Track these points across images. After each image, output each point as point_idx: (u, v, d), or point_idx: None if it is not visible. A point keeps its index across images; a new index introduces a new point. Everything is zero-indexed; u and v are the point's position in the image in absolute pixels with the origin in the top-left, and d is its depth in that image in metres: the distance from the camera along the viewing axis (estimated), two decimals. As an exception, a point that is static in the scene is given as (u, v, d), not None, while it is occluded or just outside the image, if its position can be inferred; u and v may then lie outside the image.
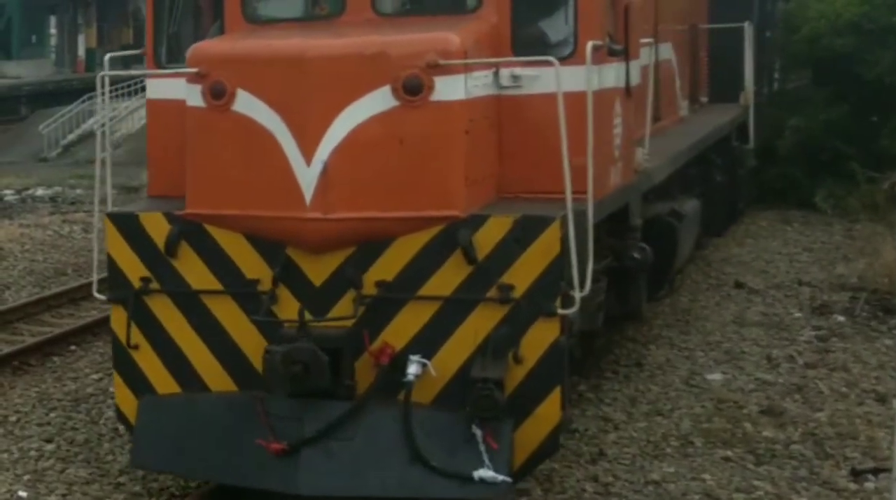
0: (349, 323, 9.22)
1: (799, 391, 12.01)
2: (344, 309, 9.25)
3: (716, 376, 12.42)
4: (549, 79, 9.36)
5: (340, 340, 9.15)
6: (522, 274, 9.03)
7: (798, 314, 14.74)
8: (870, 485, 9.87)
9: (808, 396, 11.90)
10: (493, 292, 9.06)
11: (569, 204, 8.93)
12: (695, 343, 13.57)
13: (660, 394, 11.90)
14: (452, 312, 9.12)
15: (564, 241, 8.97)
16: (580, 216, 9.13)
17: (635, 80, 11.31)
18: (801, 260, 17.57)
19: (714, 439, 10.74)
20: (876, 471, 10.06)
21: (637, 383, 12.22)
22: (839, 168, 20.28)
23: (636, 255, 11.55)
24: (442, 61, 9.10)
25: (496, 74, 9.69)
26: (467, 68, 9.24)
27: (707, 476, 9.96)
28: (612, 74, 10.36)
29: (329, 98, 9.12)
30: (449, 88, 9.14)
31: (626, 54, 10.86)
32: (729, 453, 10.45)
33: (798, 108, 22.05)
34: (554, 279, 9.01)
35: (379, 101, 9.14)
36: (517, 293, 9.02)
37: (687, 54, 17.23)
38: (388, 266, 9.23)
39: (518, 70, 9.65)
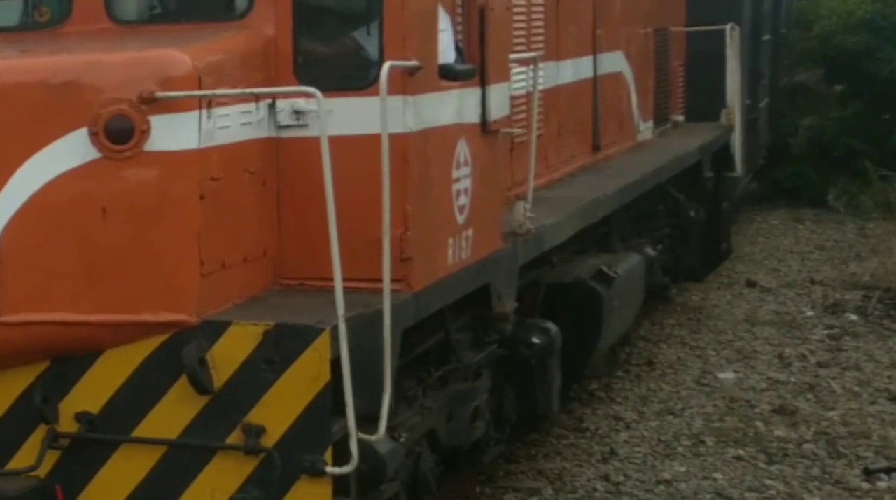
0: (37, 475, 6.48)
1: (811, 390, 11.97)
2: (29, 455, 6.49)
3: (728, 375, 12.39)
4: (349, 114, 6.87)
5: None
6: (276, 412, 6.29)
7: (810, 313, 14.70)
8: (882, 484, 9.83)
9: (820, 395, 11.86)
10: (235, 436, 6.33)
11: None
12: (706, 342, 13.54)
13: (671, 393, 11.87)
14: (181, 462, 6.40)
15: (339, 362, 6.20)
16: (371, 320, 6.43)
17: (499, 111, 8.00)
18: (813, 258, 17.52)
19: (726, 438, 10.71)
20: (889, 470, 10.03)
21: (648, 382, 12.18)
22: (852, 166, 20.24)
23: (535, 339, 9.13)
24: (160, 93, 6.34)
25: (272, 107, 6.97)
26: (207, 102, 6.45)
27: (719, 476, 9.93)
28: (448, 107, 7.34)
29: (2, 146, 6.38)
30: (173, 132, 6.37)
31: (481, 77, 7.76)
32: (741, 452, 10.41)
33: (811, 106, 22.01)
34: (320, 421, 6.26)
35: (72, 150, 6.37)
36: (269, 440, 6.30)
37: (650, 64, 14.17)
38: (92, 392, 6.45)
39: (302, 103, 6.90)
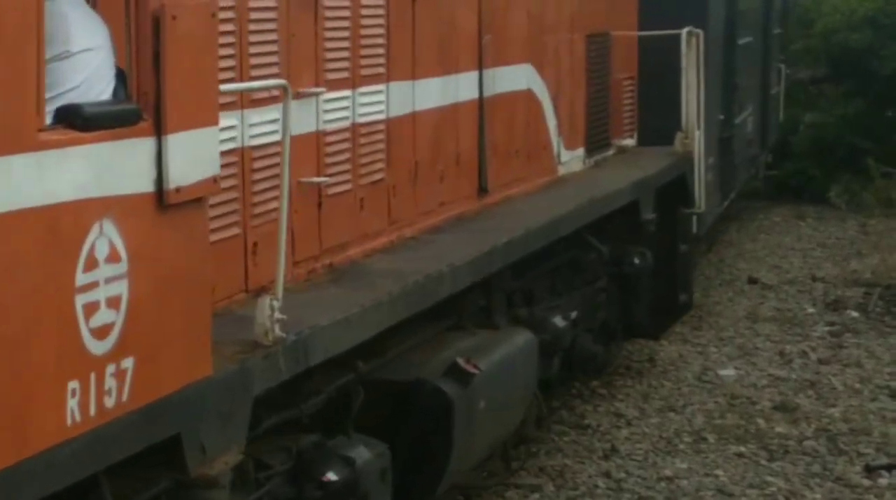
0: None
1: (812, 387, 11.99)
2: None
3: (729, 372, 12.40)
4: None
5: None
6: None
7: (811, 310, 14.71)
8: (883, 481, 9.84)
9: (821, 392, 11.87)
10: None
11: None
12: (707, 339, 13.55)
13: (672, 390, 11.88)
14: None
15: None
16: None
17: (192, 171, 5.22)
18: (814, 255, 17.53)
19: (727, 435, 10.72)
20: (890, 467, 10.04)
21: (650, 378, 12.20)
22: (854, 163, 20.24)
23: (332, 476, 6.39)
24: None
25: None
26: None
27: (720, 472, 9.94)
28: (68, 173, 4.59)
29: None
30: None
31: (155, 121, 5.07)
32: (742, 449, 10.43)
33: (813, 104, 22.02)
34: None
35: None
36: None
37: (580, 78, 11.21)
38: None
39: None
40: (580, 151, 11.32)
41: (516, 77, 9.79)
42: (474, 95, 9.03)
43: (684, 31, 11.89)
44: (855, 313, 14.48)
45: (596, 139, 11.64)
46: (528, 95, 10.07)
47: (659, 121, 12.42)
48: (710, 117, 14.02)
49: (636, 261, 11.43)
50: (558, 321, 9.65)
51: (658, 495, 9.52)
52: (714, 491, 9.59)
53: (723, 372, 12.40)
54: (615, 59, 12.00)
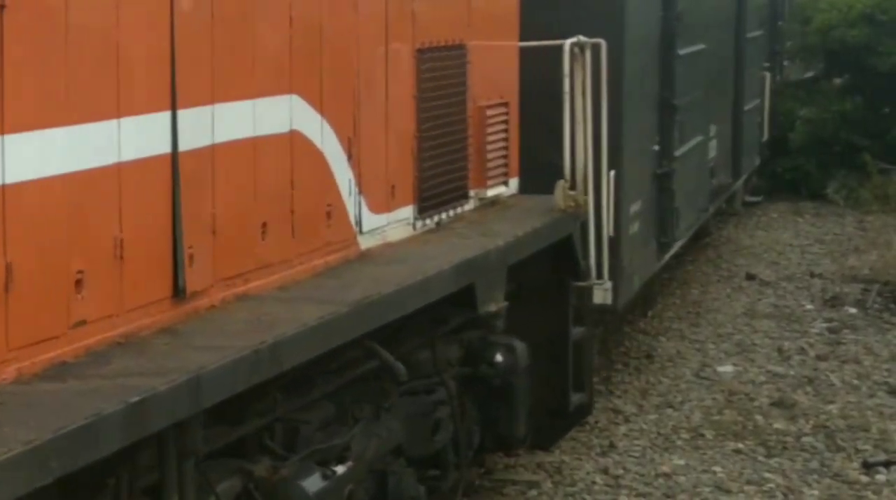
0: None
1: (810, 383, 11.98)
2: None
3: (727, 369, 12.39)
4: None
5: None
6: None
7: (809, 306, 14.70)
8: (881, 477, 9.85)
9: (819, 388, 11.87)
10: None
11: None
12: (705, 335, 13.54)
13: (670, 386, 11.88)
14: None
15: None
16: None
17: None
18: (812, 252, 17.52)
19: (725, 431, 10.72)
20: (888, 463, 10.04)
21: (648, 375, 12.19)
22: (852, 160, 20.22)
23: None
24: None
25: None
26: None
27: (718, 469, 9.94)
28: None
29: None
30: None
31: None
32: (740, 445, 10.43)
33: (810, 99, 22.00)
34: None
35: None
36: None
37: (403, 107, 7.89)
38: None
39: None
40: (405, 212, 7.96)
41: (264, 115, 6.43)
42: (162, 148, 5.68)
43: (568, 42, 9.09)
44: (853, 310, 14.48)
45: (437, 192, 8.27)
46: (294, 140, 6.74)
47: (554, 158, 9.25)
48: (642, 149, 11.81)
49: (498, 359, 8.45)
50: (313, 482, 6.42)
51: (656, 491, 9.52)
52: (712, 488, 9.58)
53: (721, 369, 12.39)
54: (476, 80, 8.70)
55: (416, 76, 8.01)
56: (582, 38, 9.17)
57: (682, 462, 10.05)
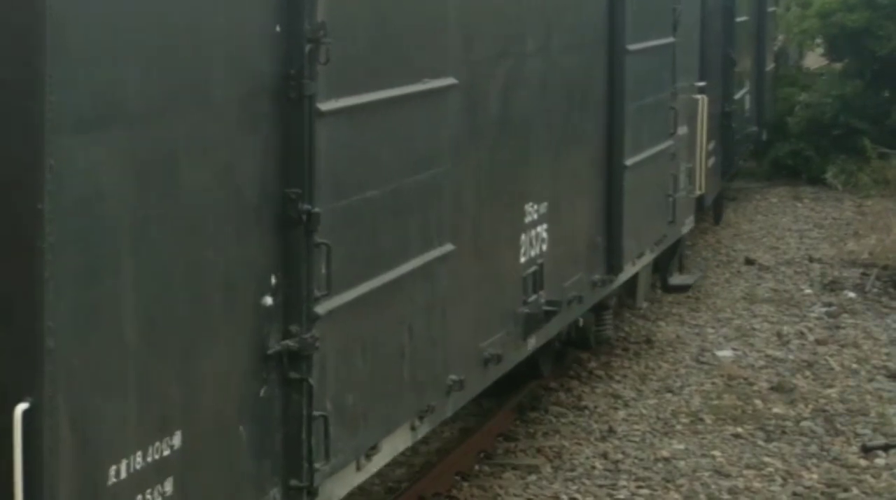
0: None
1: (809, 368, 12.00)
2: None
3: (726, 353, 12.41)
4: None
5: None
6: None
7: (808, 291, 14.72)
8: (880, 461, 9.87)
9: (818, 372, 11.89)
10: None
11: None
12: (705, 320, 13.56)
13: (670, 371, 11.89)
14: None
15: None
16: None
17: None
18: (811, 236, 17.53)
19: (724, 415, 10.73)
20: (886, 447, 10.06)
21: (647, 360, 12.21)
22: (851, 144, 20.24)
23: None
24: None
25: None
26: None
27: (717, 453, 9.96)
28: None
29: None
30: None
31: None
32: (739, 429, 10.44)
33: (810, 84, 22.02)
34: None
35: None
36: None
37: None
38: None
39: None
40: None
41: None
42: None
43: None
44: (852, 294, 14.49)
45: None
46: None
47: None
48: None
49: None
50: None
51: (655, 475, 9.54)
52: (711, 472, 9.60)
53: (720, 353, 12.41)
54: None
55: None
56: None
57: (681, 447, 10.07)
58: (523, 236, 8.83)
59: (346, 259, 6.33)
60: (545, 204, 9.19)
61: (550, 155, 9.36)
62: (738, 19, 17.36)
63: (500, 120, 8.40)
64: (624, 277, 11.12)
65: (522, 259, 8.83)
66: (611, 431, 10.36)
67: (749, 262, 16.01)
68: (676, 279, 13.56)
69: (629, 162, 10.76)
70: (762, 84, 20.37)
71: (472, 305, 7.95)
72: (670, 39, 11.95)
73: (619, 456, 9.86)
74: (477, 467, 9.51)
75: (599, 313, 11.28)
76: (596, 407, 10.88)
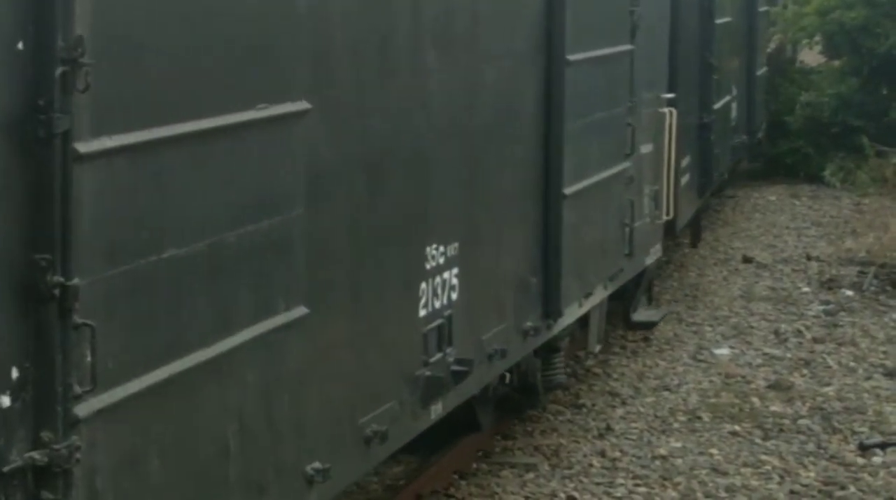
0: None
1: (807, 366, 12.01)
2: None
3: (723, 351, 12.42)
4: None
5: None
6: None
7: (806, 289, 14.72)
8: (877, 459, 9.87)
9: (815, 370, 11.90)
10: None
11: None
12: (702, 318, 13.56)
13: (667, 369, 11.90)
14: None
15: None
16: None
17: None
18: (809, 234, 17.54)
19: (721, 413, 10.74)
20: (884, 445, 10.06)
21: (644, 358, 12.21)
22: (849, 142, 20.23)
23: None
24: None
25: None
26: None
27: (714, 451, 9.97)
28: None
29: None
30: None
31: None
32: (736, 427, 10.45)
33: (809, 83, 22.01)
34: None
35: None
36: None
37: None
38: None
39: None
40: None
41: None
42: None
43: None
44: (850, 292, 14.50)
45: None
46: None
47: None
48: None
49: None
50: None
51: (653, 473, 9.54)
52: (708, 470, 9.61)
53: (718, 351, 12.42)
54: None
55: None
56: None
57: (678, 445, 10.08)
58: (423, 285, 7.29)
59: (127, 342, 4.84)
60: (454, 245, 7.65)
61: (463, 187, 7.78)
62: (720, 21, 15.57)
63: (384, 150, 6.79)
64: (567, 320, 9.58)
65: (422, 312, 7.28)
66: (608, 429, 10.36)
67: (747, 260, 16.01)
68: (641, 315, 12.26)
69: (570, 190, 9.23)
70: (753, 90, 19.26)
71: (343, 375, 6.44)
72: (627, 47, 10.55)
73: (617, 454, 9.87)
74: (475, 465, 9.51)
75: (548, 358, 9.85)
76: (594, 405, 10.88)
